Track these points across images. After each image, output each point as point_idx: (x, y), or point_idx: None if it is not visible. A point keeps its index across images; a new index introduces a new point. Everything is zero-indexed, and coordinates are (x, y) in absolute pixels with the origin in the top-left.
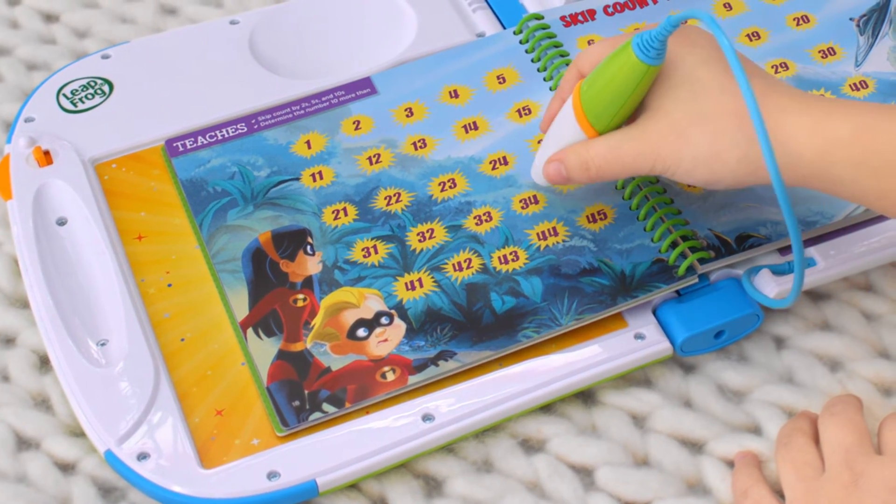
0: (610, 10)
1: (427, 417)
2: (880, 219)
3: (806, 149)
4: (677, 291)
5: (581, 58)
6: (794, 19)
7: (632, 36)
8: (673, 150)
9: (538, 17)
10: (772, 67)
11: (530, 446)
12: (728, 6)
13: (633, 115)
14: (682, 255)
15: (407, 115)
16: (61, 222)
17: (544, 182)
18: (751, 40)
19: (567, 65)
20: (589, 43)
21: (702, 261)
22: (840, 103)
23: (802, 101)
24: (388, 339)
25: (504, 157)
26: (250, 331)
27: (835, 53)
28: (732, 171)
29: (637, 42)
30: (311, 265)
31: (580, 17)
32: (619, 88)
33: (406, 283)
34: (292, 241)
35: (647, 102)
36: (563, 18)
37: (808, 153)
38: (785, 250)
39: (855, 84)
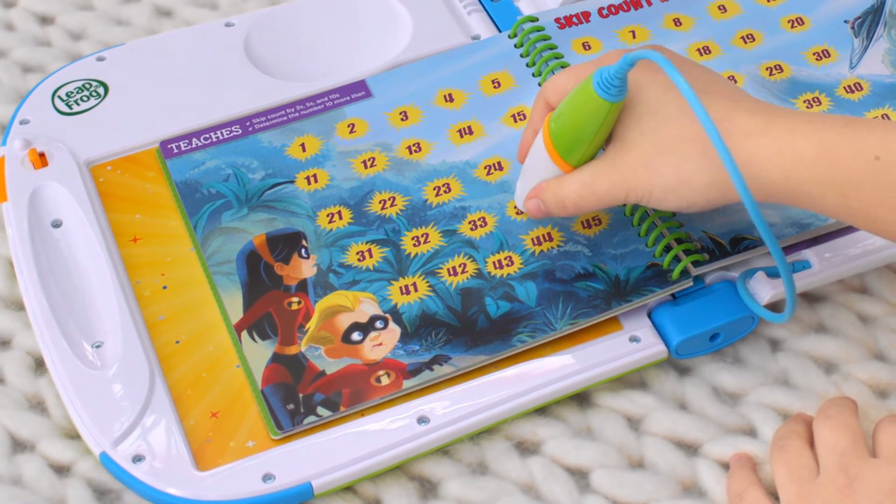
0: (605, 11)
1: (422, 420)
2: None
3: (771, 169)
4: (672, 294)
5: (547, 88)
6: (788, 21)
7: (592, 72)
8: (642, 182)
9: (533, 19)
10: (766, 69)
11: (525, 448)
12: (723, 8)
13: (605, 143)
14: (676, 259)
15: (402, 119)
16: (56, 224)
17: (525, 209)
18: (745, 42)
19: (563, 67)
20: (584, 46)
21: (696, 263)
22: (805, 119)
23: (767, 119)
24: (383, 344)
25: (499, 163)
26: (245, 334)
27: (829, 56)
28: (703, 195)
29: (597, 80)
30: (305, 268)
31: (575, 20)
32: (584, 125)
33: (401, 288)
34: (287, 243)
35: (615, 133)
36: (557, 20)
37: (774, 173)
38: None
39: (849, 86)
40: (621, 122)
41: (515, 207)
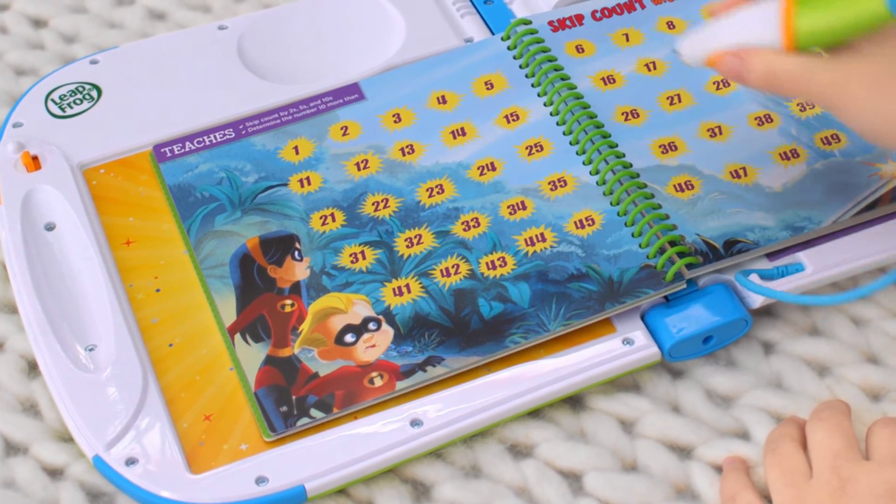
0: (598, 14)
1: (415, 423)
2: (869, 224)
3: None
4: (666, 297)
5: None
6: None
7: None
8: (865, 96)
9: (526, 22)
10: None
11: (518, 451)
12: None
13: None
14: (670, 261)
15: (395, 121)
16: (49, 227)
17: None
18: None
19: (556, 70)
20: (577, 49)
21: (690, 266)
22: None
23: None
24: (376, 345)
25: (492, 163)
26: (238, 336)
27: None
28: None
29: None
30: (298, 271)
31: (568, 23)
32: (847, 24)
33: (394, 289)
34: (280, 246)
35: (857, 42)
36: (550, 23)
37: None
38: (773, 255)
39: None
40: (869, 35)
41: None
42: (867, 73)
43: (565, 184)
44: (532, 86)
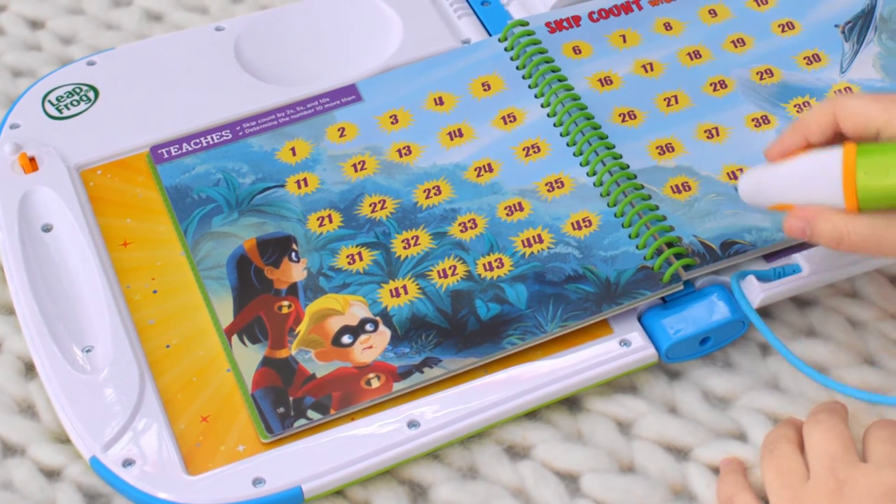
0: (595, 16)
1: (412, 424)
2: None
3: None
4: (663, 298)
5: (843, 110)
6: (779, 26)
7: None
8: None
9: (523, 23)
10: (757, 74)
11: (515, 453)
12: (713, 12)
13: None
14: (667, 262)
15: (392, 122)
16: (46, 229)
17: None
18: (736, 46)
19: (553, 71)
20: (574, 50)
21: (687, 267)
22: None
23: None
24: (373, 346)
25: (489, 164)
26: (235, 338)
27: (820, 60)
28: None
29: None
30: (295, 272)
31: (565, 24)
32: None
33: (391, 290)
34: (277, 247)
35: None
36: (547, 25)
37: None
38: (770, 256)
39: (840, 90)
40: None
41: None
42: None
43: (562, 185)
44: (529, 87)
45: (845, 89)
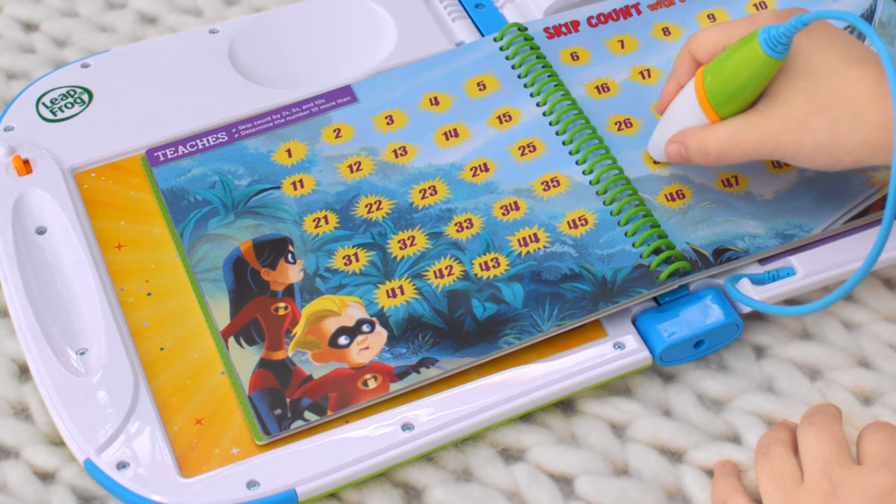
0: (594, 20)
1: (406, 427)
2: (859, 229)
3: None
4: (657, 300)
5: (695, 42)
6: None
7: (756, 30)
8: (793, 138)
9: (521, 28)
10: None
11: (510, 455)
12: (712, 17)
13: (752, 102)
14: (665, 262)
15: (387, 123)
16: (41, 231)
17: (661, 158)
18: None
19: (550, 74)
20: (572, 56)
21: (681, 273)
22: None
23: None
24: (370, 347)
25: (485, 164)
26: (232, 339)
27: None
28: (851, 155)
29: (764, 38)
30: (292, 273)
31: (564, 29)
32: (745, 80)
33: (387, 291)
34: (273, 249)
35: (767, 90)
36: (546, 30)
37: None
38: (764, 261)
39: None
40: (775, 79)
41: (650, 155)
42: (787, 117)
43: (558, 184)
44: (525, 86)
45: None
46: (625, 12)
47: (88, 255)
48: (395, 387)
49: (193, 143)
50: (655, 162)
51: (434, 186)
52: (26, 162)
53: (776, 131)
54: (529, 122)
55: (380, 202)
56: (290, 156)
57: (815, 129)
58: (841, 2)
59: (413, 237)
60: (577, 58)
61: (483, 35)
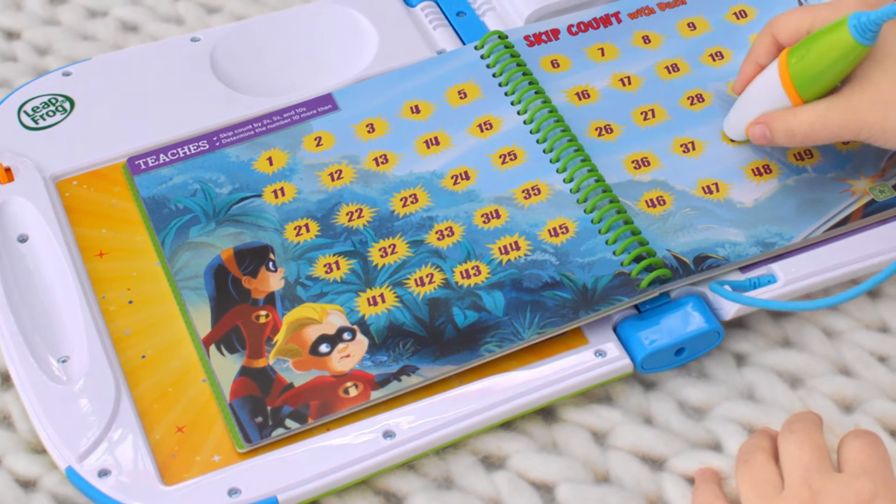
0: (574, 29)
1: (388, 434)
2: (840, 237)
3: None
4: (638, 308)
5: (778, 25)
6: None
7: (845, 16)
8: (879, 119)
9: (502, 36)
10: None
11: (491, 463)
12: (692, 25)
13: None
14: (645, 270)
15: (368, 131)
16: (22, 239)
17: (739, 137)
18: (714, 60)
19: (530, 82)
20: (552, 63)
21: (662, 280)
22: None
23: None
24: (351, 355)
25: (466, 172)
26: (213, 347)
27: None
28: None
29: (854, 24)
30: (273, 281)
31: (544, 37)
32: (831, 64)
33: (368, 299)
34: (254, 257)
35: (852, 73)
36: (526, 38)
37: None
38: (746, 268)
39: None
40: (861, 63)
41: (725, 134)
42: (873, 99)
43: (539, 192)
44: (505, 94)
45: None
46: (605, 21)
47: (70, 263)
48: (376, 394)
49: (175, 151)
50: (732, 140)
51: (415, 194)
52: (8, 170)
53: (862, 114)
54: (510, 130)
55: (361, 210)
56: (271, 164)
57: None
58: None
59: (394, 245)
60: (558, 65)
61: (464, 43)
